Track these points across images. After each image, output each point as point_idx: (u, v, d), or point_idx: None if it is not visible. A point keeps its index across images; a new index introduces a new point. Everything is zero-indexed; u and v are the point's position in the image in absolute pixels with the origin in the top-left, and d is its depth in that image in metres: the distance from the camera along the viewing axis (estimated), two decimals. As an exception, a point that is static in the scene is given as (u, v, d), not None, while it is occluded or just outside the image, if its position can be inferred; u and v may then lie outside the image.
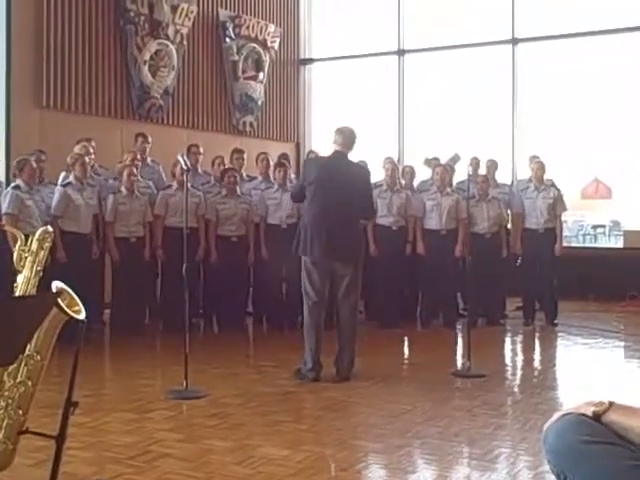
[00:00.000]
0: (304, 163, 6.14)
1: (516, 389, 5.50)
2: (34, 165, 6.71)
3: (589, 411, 1.81)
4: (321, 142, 10.87)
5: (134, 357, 6.40)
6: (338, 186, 5.45)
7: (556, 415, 1.85)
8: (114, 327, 7.41)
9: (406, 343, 7.39)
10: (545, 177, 8.16)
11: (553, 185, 8.21)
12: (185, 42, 10.00)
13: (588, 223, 10.70)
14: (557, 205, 8.06)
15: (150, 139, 8.19)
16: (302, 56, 12.22)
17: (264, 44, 11.27)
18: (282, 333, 7.60)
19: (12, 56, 8.07)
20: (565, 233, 8.78)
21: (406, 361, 6.72)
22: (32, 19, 8.27)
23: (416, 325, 8.05)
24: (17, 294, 2.93)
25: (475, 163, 8.14)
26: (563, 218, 8.33)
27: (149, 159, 8.25)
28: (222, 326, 7.76)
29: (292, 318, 7.47)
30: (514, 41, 10.83)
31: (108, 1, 9.05)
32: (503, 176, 9.21)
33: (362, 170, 5.91)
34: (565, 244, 8.47)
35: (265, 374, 5.74)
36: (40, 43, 8.32)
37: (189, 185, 6.29)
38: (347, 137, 5.63)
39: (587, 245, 10.59)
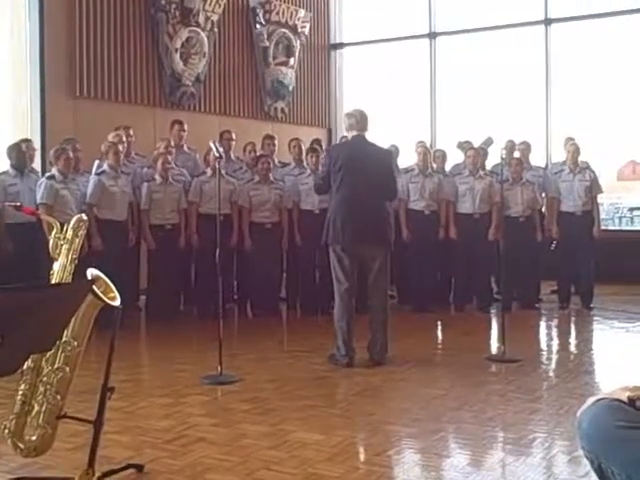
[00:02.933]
0: (327, 150, 6.13)
1: (551, 374, 5.46)
2: (71, 155, 6.78)
3: (624, 396, 1.79)
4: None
5: (169, 343, 6.47)
6: (364, 170, 5.45)
7: (590, 400, 1.83)
8: (149, 313, 7.50)
9: (440, 327, 7.37)
10: (580, 159, 8.06)
11: (588, 167, 8.11)
12: (216, 29, 10.00)
13: (624, 205, 10.55)
14: (593, 187, 7.96)
15: (186, 126, 8.23)
16: (333, 41, 12.16)
17: (294, 29, 11.24)
18: (315, 318, 7.62)
19: (45, 47, 8.13)
20: (601, 216, 8.66)
21: (440, 346, 6.70)
22: (64, 9, 8.33)
23: (450, 309, 8.02)
24: (53, 281, 2.98)
25: (509, 146, 8.05)
26: (599, 200, 8.22)
27: (185, 146, 8.30)
28: (256, 312, 7.80)
29: (325, 303, 7.47)
30: (547, 21, 10.65)
31: (139, -11, 9.09)
32: (537, 159, 9.10)
33: (385, 151, 5.89)
34: (601, 227, 8.37)
35: (299, 359, 5.77)
36: (73, 33, 8.38)
37: (223, 172, 6.32)
38: (360, 119, 5.61)
39: (623, 228, 10.44)
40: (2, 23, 8.28)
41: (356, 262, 5.53)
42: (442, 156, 8.55)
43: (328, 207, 5.86)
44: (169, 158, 7.49)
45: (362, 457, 3.63)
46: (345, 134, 9.62)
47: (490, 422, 4.08)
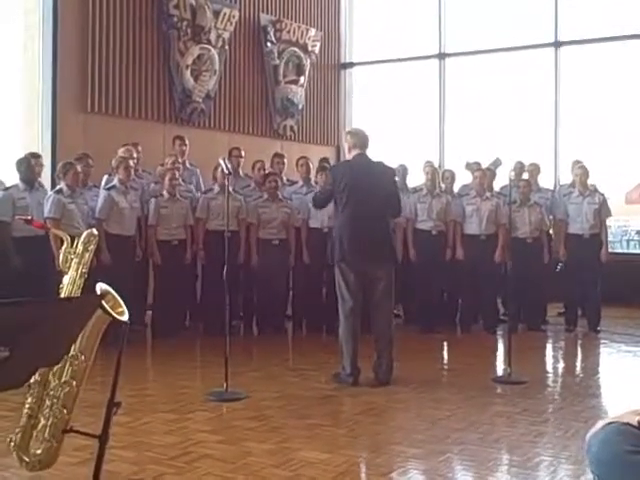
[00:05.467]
0: (330, 170, 6.15)
1: (557, 396, 5.43)
2: (79, 169, 6.82)
3: (634, 420, 1.78)
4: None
5: (175, 359, 6.46)
6: (368, 189, 5.46)
7: (599, 424, 1.82)
8: (155, 329, 7.48)
9: (446, 348, 7.35)
10: (589, 182, 8.06)
11: (597, 190, 8.10)
12: (227, 47, 10.07)
13: (632, 228, 10.53)
14: (602, 211, 7.95)
15: (187, 141, 8.27)
16: (343, 60, 12.23)
17: (305, 48, 11.31)
18: (321, 337, 7.61)
19: (58, 62, 8.21)
20: (609, 238, 8.63)
21: (446, 366, 6.67)
22: (77, 26, 8.40)
23: (456, 330, 7.99)
24: (63, 295, 2.98)
25: (519, 167, 8.07)
26: (607, 223, 8.21)
27: (187, 162, 8.32)
28: (262, 329, 7.79)
29: (331, 322, 7.44)
30: (557, 44, 10.70)
31: (151, 7, 9.16)
32: (545, 181, 9.10)
33: (387, 169, 5.89)
34: (609, 250, 8.34)
35: (304, 377, 5.75)
36: (85, 49, 8.45)
37: (230, 189, 6.33)
38: (363, 138, 5.64)
39: (631, 251, 10.42)
40: (16, 39, 8.37)
41: (361, 281, 5.52)
42: (451, 176, 8.55)
43: (333, 225, 5.86)
44: (176, 174, 7.52)
45: (367, 477, 3.61)
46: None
47: (496, 444, 4.06)
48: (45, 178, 7.51)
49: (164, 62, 9.33)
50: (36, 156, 7.27)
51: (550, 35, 10.73)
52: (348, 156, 5.75)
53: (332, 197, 5.64)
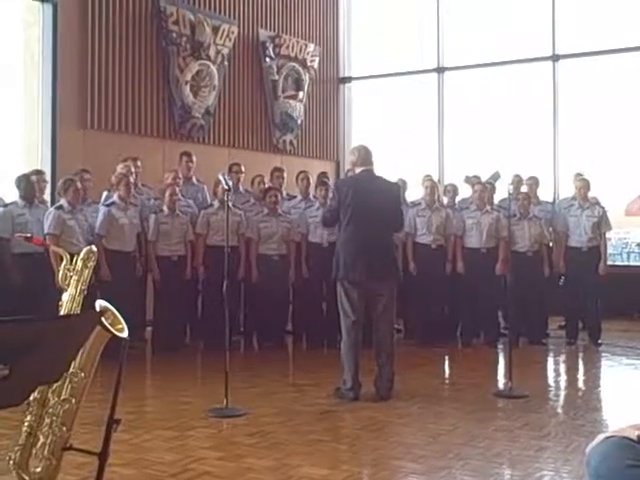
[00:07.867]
0: (335, 185, 6.17)
1: (559, 410, 5.41)
2: (79, 186, 6.83)
3: (634, 434, 1.78)
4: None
5: (175, 375, 6.45)
6: (373, 205, 5.46)
7: (599, 438, 1.82)
8: (155, 345, 7.47)
9: (446, 362, 7.33)
10: (589, 195, 8.06)
11: (597, 203, 8.10)
12: (226, 62, 10.12)
13: (633, 241, 10.53)
14: (602, 224, 7.94)
15: (194, 158, 8.28)
16: (341, 74, 12.28)
17: (304, 63, 11.36)
18: (322, 352, 7.59)
19: (58, 78, 8.24)
20: (609, 251, 8.63)
21: (447, 380, 6.66)
22: (77, 42, 8.44)
23: (456, 344, 7.98)
24: (62, 312, 2.98)
25: (517, 181, 8.07)
26: (607, 235, 8.21)
27: (194, 178, 8.34)
28: (262, 344, 7.78)
29: (332, 337, 7.45)
30: (555, 57, 10.74)
31: (151, 23, 9.21)
32: (545, 193, 9.11)
33: (392, 185, 5.91)
34: (609, 262, 8.34)
35: (304, 393, 5.73)
36: (85, 65, 8.48)
37: (230, 204, 6.34)
38: (367, 154, 5.66)
39: (632, 263, 10.41)
40: (16, 55, 8.40)
41: (363, 297, 5.53)
42: (453, 190, 8.56)
43: (336, 241, 5.86)
44: (177, 189, 7.53)
45: (368, 493, 3.59)
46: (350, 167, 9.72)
47: (497, 459, 4.04)
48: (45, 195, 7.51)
49: (163, 78, 9.37)
50: (39, 173, 7.29)
51: (548, 48, 10.77)
52: (356, 172, 5.77)
53: (338, 212, 5.65)
